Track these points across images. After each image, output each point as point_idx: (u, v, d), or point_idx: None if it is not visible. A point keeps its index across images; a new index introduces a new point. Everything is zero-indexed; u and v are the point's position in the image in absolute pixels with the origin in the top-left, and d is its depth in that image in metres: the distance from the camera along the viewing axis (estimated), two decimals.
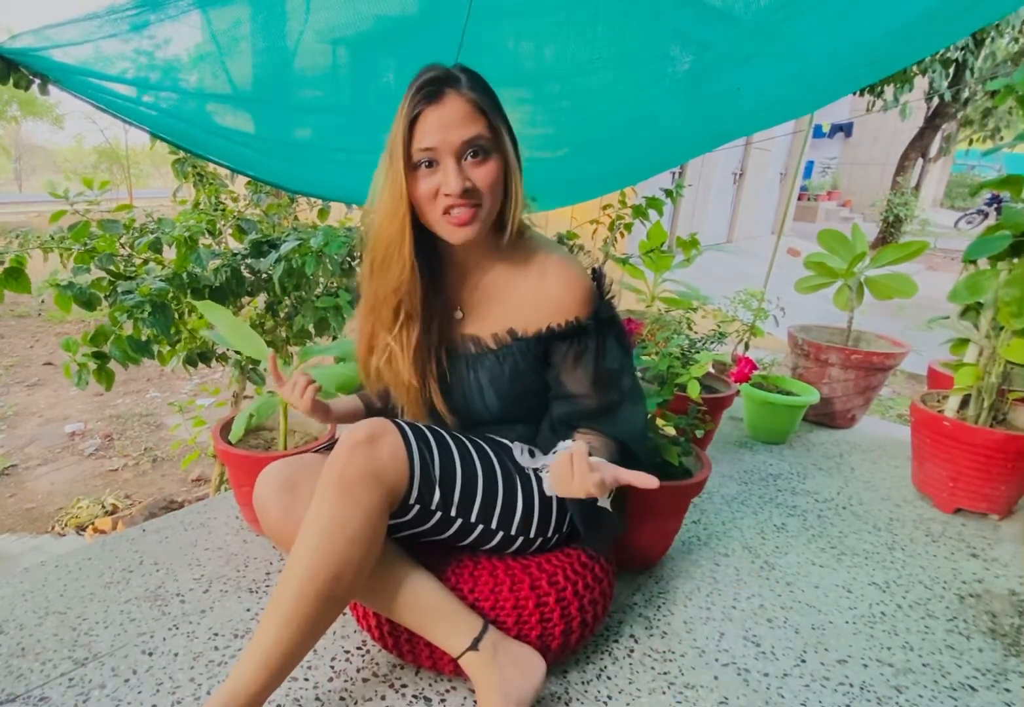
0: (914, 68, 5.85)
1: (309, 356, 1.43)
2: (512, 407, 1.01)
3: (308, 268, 1.70)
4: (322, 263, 1.74)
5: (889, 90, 6.46)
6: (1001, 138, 8.92)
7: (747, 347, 2.29)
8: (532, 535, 1.01)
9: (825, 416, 2.31)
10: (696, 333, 2.03)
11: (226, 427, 1.48)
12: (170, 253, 1.74)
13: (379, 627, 1.03)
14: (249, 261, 1.81)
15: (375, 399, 1.18)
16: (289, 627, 0.83)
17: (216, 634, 1.14)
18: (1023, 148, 2.01)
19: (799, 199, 12.54)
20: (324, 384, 1.39)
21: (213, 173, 2.21)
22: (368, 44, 1.39)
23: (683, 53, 1.42)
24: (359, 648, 1.12)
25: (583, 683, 1.06)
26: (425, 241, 0.94)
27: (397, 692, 1.02)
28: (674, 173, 6.98)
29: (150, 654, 1.08)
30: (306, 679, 1.04)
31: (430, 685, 1.04)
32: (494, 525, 0.98)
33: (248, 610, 1.21)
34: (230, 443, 1.42)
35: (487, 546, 1.02)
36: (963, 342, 1.77)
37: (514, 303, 0.98)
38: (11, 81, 1.23)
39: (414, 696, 1.02)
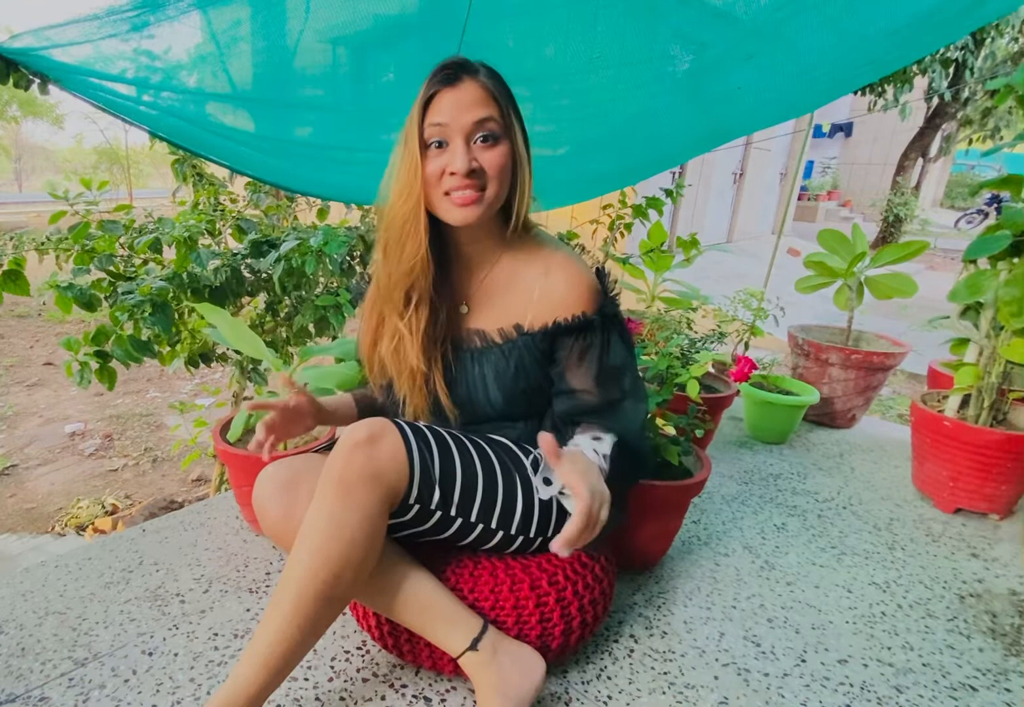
0: (914, 68, 5.84)
1: (309, 356, 1.43)
2: (515, 403, 1.01)
3: (308, 267, 1.70)
4: (322, 262, 1.74)
5: (889, 90, 6.45)
6: (1001, 138, 8.92)
7: (747, 347, 2.29)
8: (532, 534, 1.01)
9: (825, 416, 2.31)
10: (696, 333, 2.03)
11: (226, 427, 1.48)
12: (170, 253, 1.74)
13: (379, 627, 1.03)
14: (249, 261, 1.81)
15: (376, 393, 1.16)
16: (289, 627, 0.83)
17: (216, 634, 1.14)
18: (1023, 148, 2.01)
19: (799, 199, 12.54)
20: (324, 384, 1.39)
21: (212, 174, 2.21)
22: (368, 43, 1.39)
23: (683, 52, 1.42)
24: (359, 648, 1.12)
25: (583, 683, 1.06)
26: (435, 231, 0.94)
27: (397, 692, 1.02)
28: (674, 173, 6.98)
29: (150, 654, 1.08)
30: (306, 679, 1.04)
31: (430, 685, 1.04)
32: (494, 525, 0.98)
33: (248, 610, 1.20)
34: (230, 443, 1.42)
35: (487, 546, 1.02)
36: (963, 342, 1.77)
37: (520, 298, 0.99)
38: (11, 81, 1.23)
39: (414, 696, 1.01)
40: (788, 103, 1.68)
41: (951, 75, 6.71)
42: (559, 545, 0.73)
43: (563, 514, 1.04)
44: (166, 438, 3.47)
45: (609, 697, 1.03)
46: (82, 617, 1.17)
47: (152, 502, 2.74)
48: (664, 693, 1.04)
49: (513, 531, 0.99)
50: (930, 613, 1.29)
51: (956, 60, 6.28)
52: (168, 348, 1.80)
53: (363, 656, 1.10)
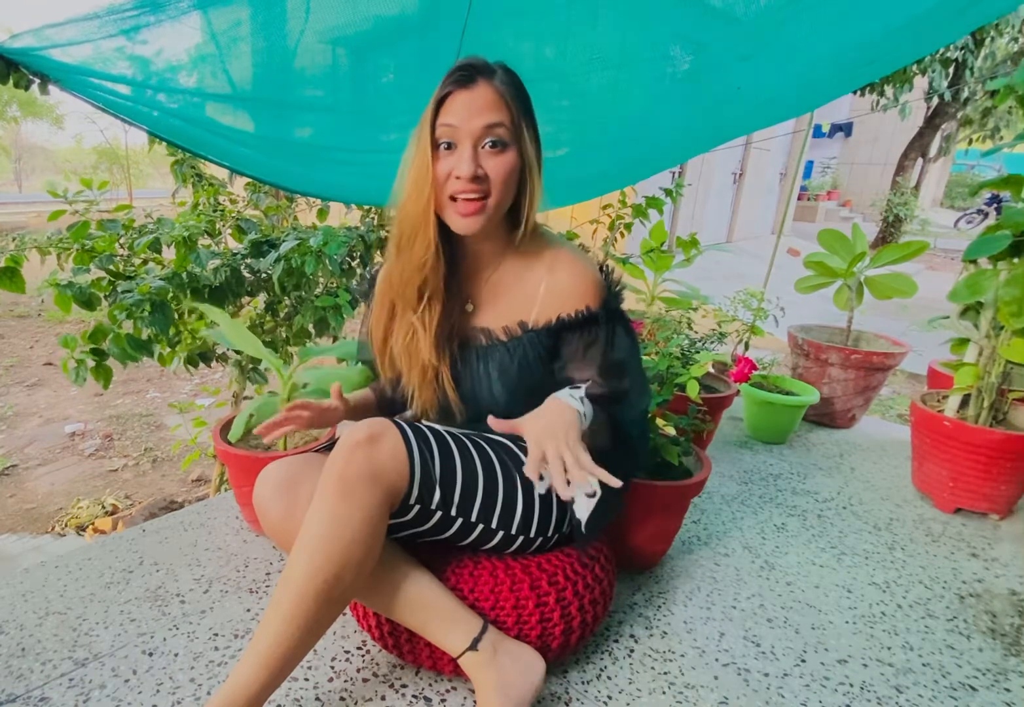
0: (914, 68, 5.84)
1: (309, 356, 1.43)
2: (518, 400, 1.01)
3: (308, 268, 1.70)
4: (322, 263, 1.75)
5: (889, 90, 6.45)
6: (1001, 138, 8.92)
7: (747, 347, 2.29)
8: (532, 534, 1.01)
9: (825, 416, 2.31)
10: (696, 333, 2.03)
11: (226, 427, 1.47)
12: (169, 253, 1.74)
13: (379, 627, 1.03)
14: (249, 261, 1.81)
15: (387, 388, 1.18)
16: (289, 627, 0.83)
17: (216, 634, 1.14)
18: (1023, 148, 2.01)
19: (799, 199, 12.55)
20: (325, 384, 1.39)
21: (212, 175, 2.21)
22: (368, 44, 1.39)
23: (683, 53, 1.42)
24: (359, 648, 1.12)
25: (583, 683, 1.06)
26: (444, 230, 0.95)
27: (397, 692, 1.02)
28: (674, 173, 6.98)
29: (150, 654, 1.08)
30: (306, 679, 1.04)
31: (430, 685, 1.04)
32: (494, 524, 0.98)
33: (248, 610, 1.21)
34: (230, 443, 1.42)
35: (487, 546, 1.02)
36: (963, 342, 1.77)
37: (524, 296, 1.00)
38: (11, 81, 1.23)
39: (414, 696, 1.02)
40: (788, 103, 1.68)
41: (951, 75, 6.72)
42: (528, 470, 0.77)
43: (564, 514, 1.04)
44: (166, 438, 3.47)
45: (609, 697, 1.03)
46: (82, 617, 1.17)
47: (152, 502, 2.74)
48: (664, 693, 1.04)
49: (513, 531, 0.99)
50: (930, 613, 1.29)
51: (956, 60, 6.28)
52: (168, 348, 1.80)
53: (363, 656, 1.10)
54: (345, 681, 1.04)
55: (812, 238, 3.11)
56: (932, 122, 9.43)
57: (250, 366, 2.01)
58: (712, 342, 1.99)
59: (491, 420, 0.83)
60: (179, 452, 3.16)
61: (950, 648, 1.19)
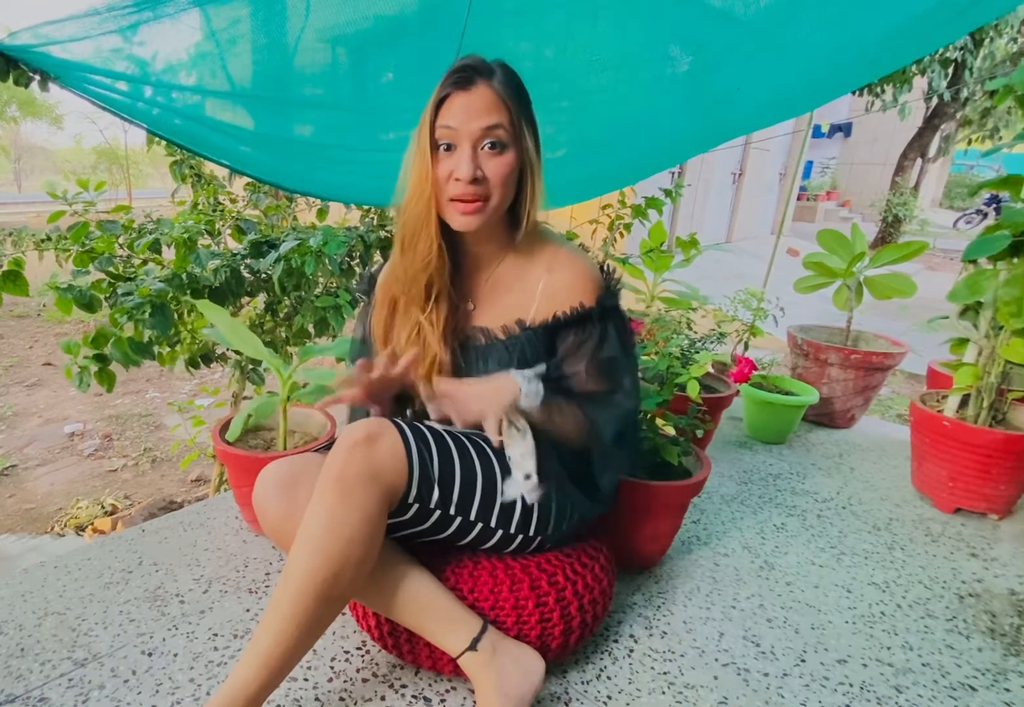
0: (913, 68, 5.84)
1: (309, 356, 1.43)
2: None
3: (308, 268, 1.70)
4: (321, 263, 1.74)
5: (888, 90, 6.45)
6: (1000, 138, 8.92)
7: (747, 347, 2.29)
8: (531, 533, 1.01)
9: (824, 416, 2.31)
10: (696, 333, 2.03)
11: (225, 427, 1.47)
12: (169, 253, 1.74)
13: (379, 627, 1.03)
14: (248, 261, 1.81)
15: None
16: (289, 627, 0.83)
17: (216, 634, 1.14)
18: (1022, 148, 2.01)
19: (798, 199, 12.55)
20: (325, 383, 1.39)
21: (211, 174, 2.21)
22: (368, 43, 1.39)
23: (683, 53, 1.42)
24: (359, 648, 1.12)
25: (583, 683, 1.06)
26: (446, 230, 0.96)
27: (397, 692, 1.02)
28: (673, 173, 6.99)
29: (149, 655, 1.08)
30: (306, 679, 1.04)
31: (430, 685, 1.04)
32: (493, 523, 0.98)
33: (248, 610, 1.20)
34: (229, 443, 1.42)
35: (486, 545, 1.02)
36: (962, 342, 1.77)
37: (523, 294, 1.00)
38: (11, 78, 1.23)
39: (414, 696, 1.01)
40: (787, 103, 1.68)
41: (950, 75, 6.72)
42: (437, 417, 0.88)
43: (562, 513, 1.04)
44: (165, 438, 3.47)
45: (609, 697, 1.03)
46: (81, 618, 1.17)
47: (151, 502, 2.74)
48: (664, 693, 1.04)
49: (512, 530, 0.99)
50: (929, 613, 1.29)
51: (955, 60, 6.28)
52: (168, 349, 1.80)
53: (363, 656, 1.10)
54: (345, 681, 1.04)
55: (811, 238, 3.12)
56: (931, 122, 9.44)
57: (250, 366, 2.01)
58: (712, 342, 1.99)
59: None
60: (178, 452, 3.16)
61: (949, 648, 1.19)
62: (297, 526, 0.87)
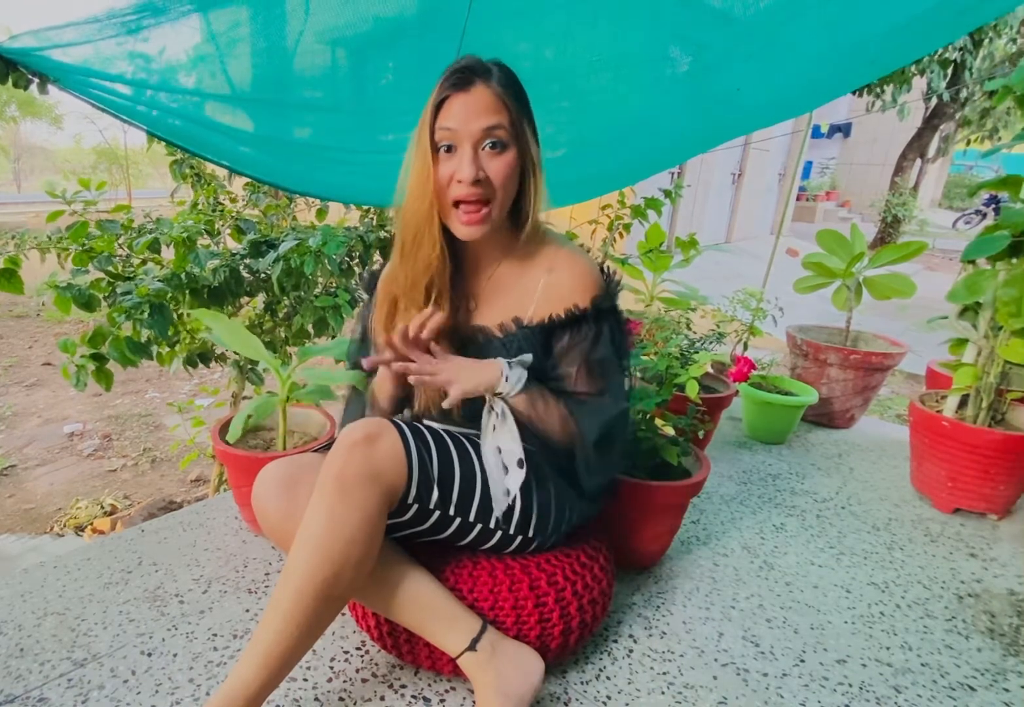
0: (912, 68, 5.84)
1: (308, 356, 1.43)
2: None
3: (307, 268, 1.70)
4: (321, 263, 1.74)
5: (888, 90, 6.46)
6: (999, 138, 8.92)
7: (746, 347, 2.29)
8: (531, 534, 1.01)
9: (824, 416, 2.31)
10: (695, 333, 2.03)
11: (225, 427, 1.47)
12: (169, 253, 1.74)
13: (378, 627, 1.03)
14: (248, 261, 1.81)
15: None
16: (288, 626, 0.83)
17: (215, 635, 1.14)
18: (1021, 148, 2.02)
19: (798, 199, 12.56)
20: (324, 383, 1.39)
21: (211, 174, 2.21)
22: (367, 45, 1.39)
23: (682, 54, 1.42)
24: (358, 648, 1.12)
25: (582, 683, 1.06)
26: (448, 231, 0.96)
27: (396, 692, 1.02)
28: (673, 173, 6.99)
29: (149, 655, 1.08)
30: (305, 679, 1.04)
31: (429, 685, 1.04)
32: (492, 524, 0.98)
33: (247, 610, 1.20)
34: (229, 443, 1.42)
35: (486, 545, 1.02)
36: (962, 342, 1.77)
37: (523, 294, 1.00)
38: (10, 81, 1.23)
39: (413, 696, 1.01)
40: (787, 103, 1.68)
41: (949, 75, 6.72)
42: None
43: (561, 514, 1.04)
44: (165, 438, 3.47)
45: (608, 697, 1.03)
46: (81, 618, 1.17)
47: (151, 502, 2.74)
48: (663, 693, 1.04)
49: (512, 530, 0.99)
50: (929, 613, 1.29)
51: (954, 61, 6.28)
52: (167, 349, 1.80)
53: (362, 656, 1.10)
54: (344, 681, 1.04)
55: (811, 238, 3.12)
56: (931, 123, 9.44)
57: (249, 366, 2.01)
58: (711, 342, 1.99)
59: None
60: (178, 452, 3.16)
61: (949, 648, 1.19)
62: (297, 526, 0.87)
